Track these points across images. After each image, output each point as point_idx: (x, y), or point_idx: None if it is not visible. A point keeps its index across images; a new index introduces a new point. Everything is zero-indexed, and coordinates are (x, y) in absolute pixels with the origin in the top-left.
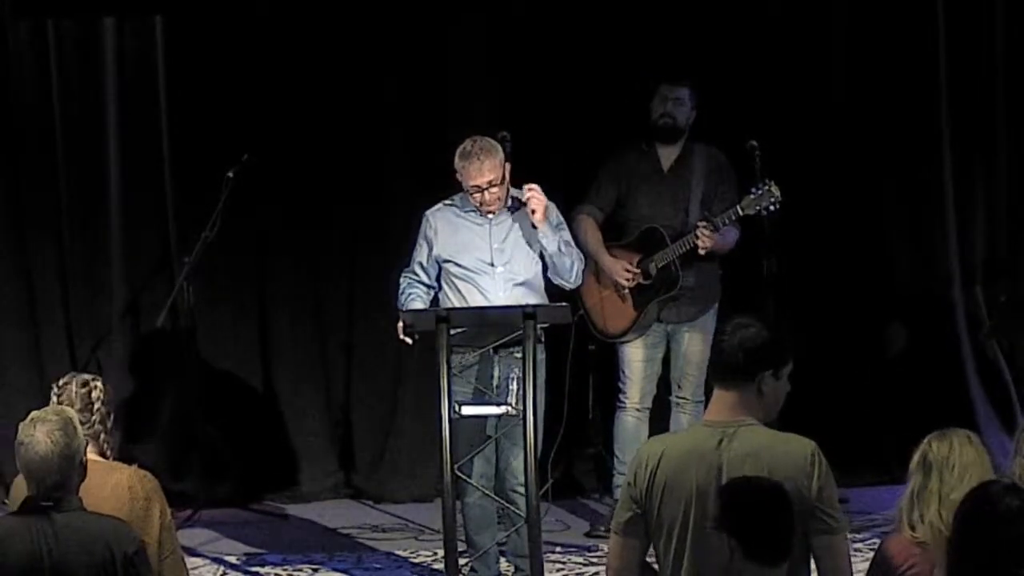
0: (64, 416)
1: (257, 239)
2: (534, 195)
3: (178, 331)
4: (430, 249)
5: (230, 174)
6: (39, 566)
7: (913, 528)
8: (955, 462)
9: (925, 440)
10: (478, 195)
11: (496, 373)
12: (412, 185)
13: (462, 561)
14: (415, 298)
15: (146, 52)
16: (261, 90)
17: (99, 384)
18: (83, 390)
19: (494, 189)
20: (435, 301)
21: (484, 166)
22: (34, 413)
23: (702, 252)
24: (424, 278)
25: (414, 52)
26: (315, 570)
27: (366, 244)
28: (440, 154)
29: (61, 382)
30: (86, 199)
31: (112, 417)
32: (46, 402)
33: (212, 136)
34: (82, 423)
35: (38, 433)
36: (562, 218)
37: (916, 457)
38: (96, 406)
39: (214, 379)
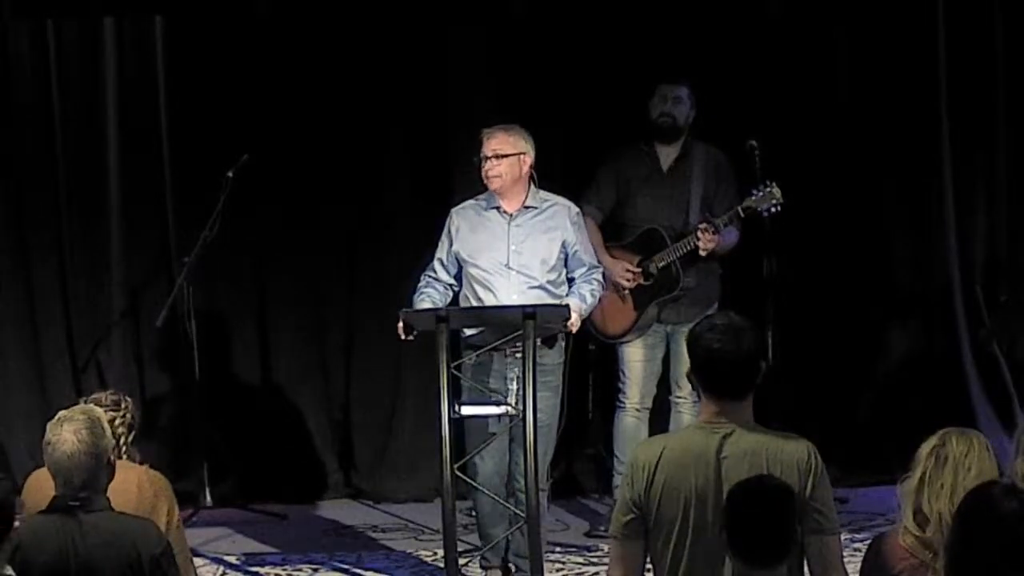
0: (92, 415)
1: (257, 239)
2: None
3: (178, 331)
4: (450, 245)
5: (230, 174)
6: (66, 565)
7: (916, 518)
8: (972, 463)
9: (942, 432)
10: (483, 164)
11: (509, 374)
12: (412, 185)
13: (463, 561)
14: (425, 298)
15: (146, 52)
16: (261, 90)
17: (129, 400)
18: (114, 397)
19: (496, 162)
20: (456, 299)
21: (494, 136)
22: (62, 412)
23: (703, 253)
24: (444, 276)
25: (414, 52)
26: (315, 570)
27: (366, 244)
28: (440, 154)
29: (91, 397)
30: (86, 199)
31: (133, 434)
32: (45, 403)
33: (212, 136)
34: (109, 421)
35: (65, 432)
36: (594, 258)
37: (928, 447)
38: (123, 411)
39: (214, 379)
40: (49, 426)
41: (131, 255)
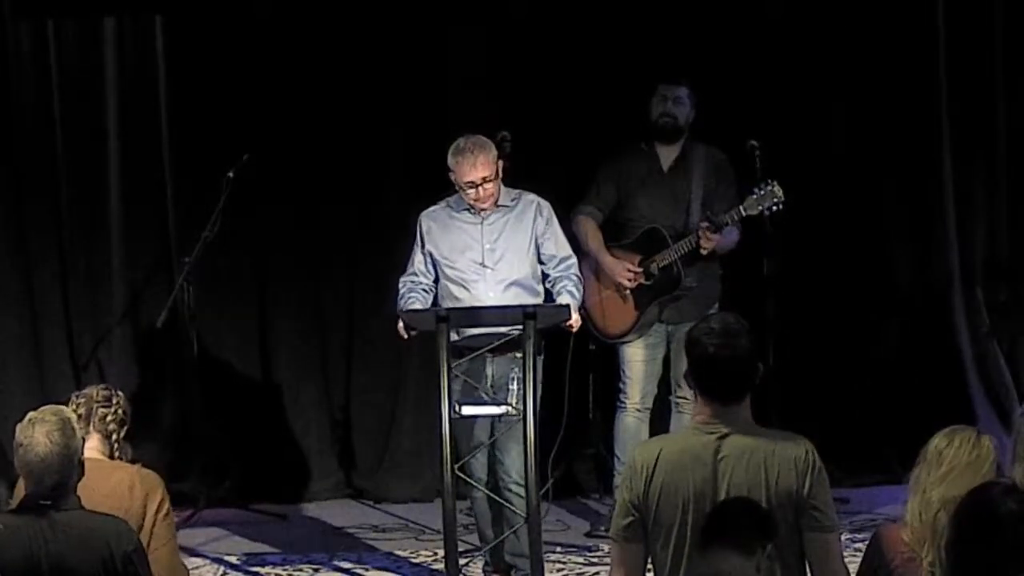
0: (62, 416)
1: (257, 239)
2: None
3: (178, 331)
4: (423, 247)
5: (230, 174)
6: (37, 565)
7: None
8: (945, 461)
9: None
10: (472, 191)
11: (491, 372)
12: (412, 185)
13: (463, 561)
14: (413, 300)
15: (146, 52)
16: (261, 90)
17: (121, 394)
18: (105, 392)
19: (487, 185)
20: (435, 301)
21: (477, 161)
22: (31, 414)
23: (704, 252)
24: (423, 279)
25: (414, 53)
26: (315, 570)
27: (366, 244)
28: (440, 155)
29: (82, 392)
30: (86, 199)
31: (126, 429)
32: (46, 402)
33: (212, 136)
34: (100, 418)
35: (37, 434)
36: (567, 249)
37: (924, 447)
38: (114, 407)
39: (214, 379)
40: (19, 428)
41: (131, 255)
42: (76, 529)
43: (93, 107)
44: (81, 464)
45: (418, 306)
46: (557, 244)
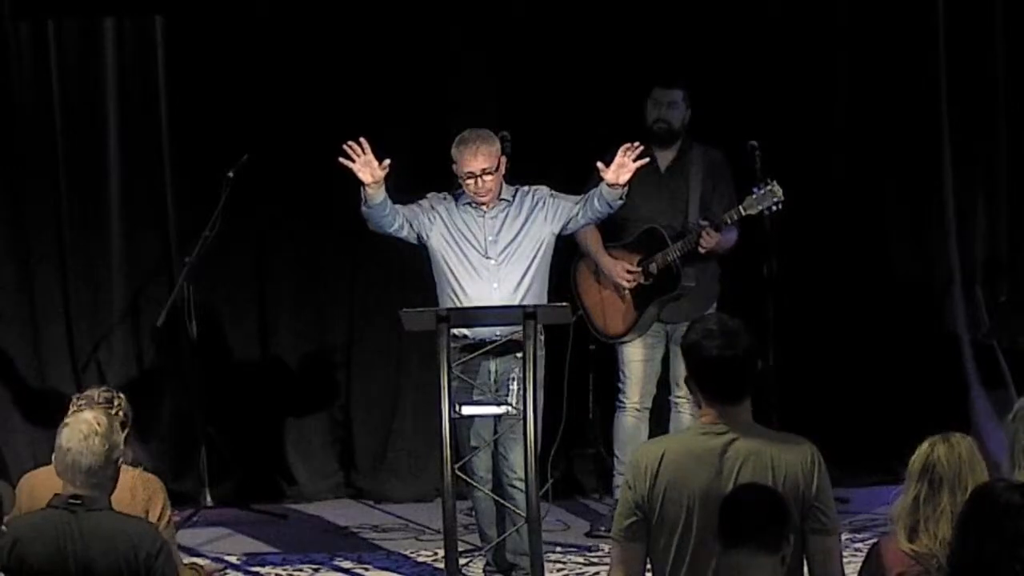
0: (102, 421)
1: (257, 239)
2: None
3: (178, 331)
4: (420, 211)
5: (230, 174)
6: (64, 563)
7: (912, 538)
8: (967, 480)
9: (927, 445)
10: (471, 182)
11: (494, 367)
12: (413, 185)
13: (463, 561)
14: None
15: (146, 52)
16: (261, 90)
17: (122, 396)
18: (106, 394)
19: (487, 177)
20: (437, 298)
21: (479, 151)
22: (71, 418)
23: (703, 251)
24: (406, 214)
25: (415, 52)
26: (315, 570)
27: (366, 244)
28: (441, 155)
29: (83, 394)
30: (86, 199)
31: (127, 432)
32: (45, 402)
33: (212, 136)
34: None
35: (79, 442)
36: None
37: (919, 463)
38: (115, 409)
39: (214, 379)
40: (63, 433)
41: (131, 255)
42: (103, 529)
43: (93, 107)
44: (118, 468)
45: (393, 221)
46: (569, 198)
